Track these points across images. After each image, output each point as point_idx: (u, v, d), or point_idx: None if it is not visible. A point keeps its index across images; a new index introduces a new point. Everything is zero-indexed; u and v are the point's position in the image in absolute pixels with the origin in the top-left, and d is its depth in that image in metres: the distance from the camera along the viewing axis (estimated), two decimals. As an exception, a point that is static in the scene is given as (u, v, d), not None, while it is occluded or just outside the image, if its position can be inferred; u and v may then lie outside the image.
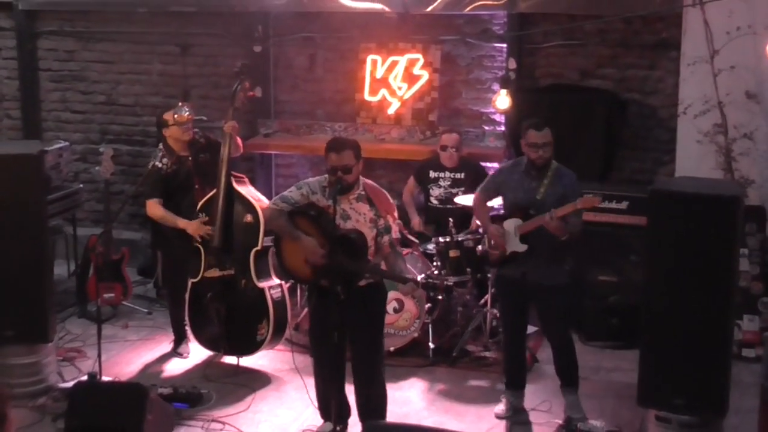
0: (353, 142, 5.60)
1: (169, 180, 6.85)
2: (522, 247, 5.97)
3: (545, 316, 6.12)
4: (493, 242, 6.10)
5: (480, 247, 6.29)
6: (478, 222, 6.65)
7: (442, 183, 7.65)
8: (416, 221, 7.73)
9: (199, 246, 6.75)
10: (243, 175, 6.99)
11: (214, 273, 6.73)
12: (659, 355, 5.31)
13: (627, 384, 6.25)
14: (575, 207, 5.80)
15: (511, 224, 6.03)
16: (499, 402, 6.24)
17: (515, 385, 6.24)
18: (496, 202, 6.41)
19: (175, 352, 7.15)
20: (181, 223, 6.76)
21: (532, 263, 5.96)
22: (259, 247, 6.65)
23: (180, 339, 7.16)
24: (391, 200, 5.74)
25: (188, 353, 7.12)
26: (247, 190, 6.83)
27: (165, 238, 7.01)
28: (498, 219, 6.15)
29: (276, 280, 6.80)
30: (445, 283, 6.81)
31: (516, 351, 6.26)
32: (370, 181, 5.71)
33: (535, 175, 6.00)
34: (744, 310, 6.99)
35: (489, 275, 6.97)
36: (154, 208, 6.82)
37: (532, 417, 6.16)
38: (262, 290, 6.69)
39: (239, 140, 6.90)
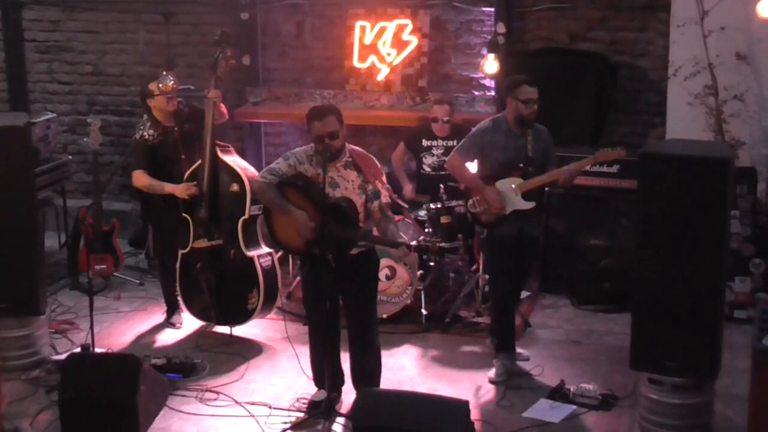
0: (333, 108, 5.59)
1: (156, 151, 6.80)
2: (528, 205, 6.07)
3: (522, 265, 6.25)
4: (490, 204, 6.10)
5: (472, 210, 6.27)
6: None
7: (435, 151, 7.60)
8: (408, 188, 7.69)
9: (187, 216, 6.72)
10: (228, 144, 6.94)
11: (203, 243, 6.71)
12: (651, 318, 5.31)
13: (619, 347, 6.28)
14: (596, 160, 6.08)
15: (506, 184, 6.07)
16: (492, 367, 6.25)
17: (508, 347, 6.26)
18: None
19: (167, 323, 7.15)
20: (168, 187, 6.73)
21: (527, 218, 6.09)
22: (246, 216, 6.62)
23: (172, 309, 7.16)
24: (379, 165, 5.71)
25: (181, 323, 7.12)
26: (233, 159, 6.79)
27: (155, 210, 6.98)
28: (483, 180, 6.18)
29: (265, 249, 6.78)
30: (438, 244, 6.80)
31: (511, 311, 6.31)
32: (356, 147, 5.68)
33: (520, 132, 6.07)
34: (735, 271, 7.00)
35: (480, 236, 6.92)
36: (140, 177, 6.77)
37: (525, 381, 6.18)
38: (251, 259, 6.67)
39: (223, 107, 6.85)
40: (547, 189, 6.56)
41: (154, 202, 6.91)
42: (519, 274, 6.29)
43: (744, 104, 7.35)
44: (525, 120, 6.03)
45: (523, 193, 6.04)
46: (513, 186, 6.05)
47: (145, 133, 6.81)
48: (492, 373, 6.22)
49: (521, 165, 6.05)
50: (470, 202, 6.26)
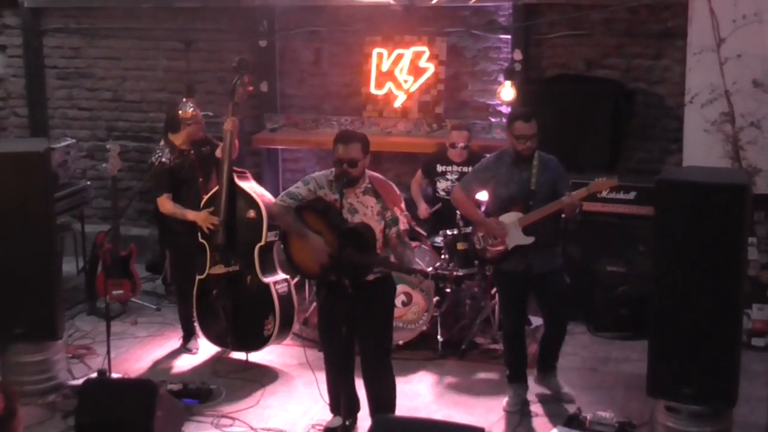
0: (362, 136, 5.56)
1: (173, 174, 6.87)
2: (527, 240, 5.97)
3: (550, 300, 6.16)
4: (495, 238, 6.07)
5: (477, 246, 6.24)
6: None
7: (449, 176, 7.62)
8: (423, 207, 7.68)
9: (204, 242, 6.76)
10: (245, 170, 6.99)
11: (220, 269, 6.74)
12: (668, 345, 5.29)
13: (636, 375, 6.24)
14: (589, 191, 5.94)
15: (508, 218, 6.02)
16: (506, 396, 6.22)
17: (520, 378, 6.23)
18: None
19: (184, 348, 7.17)
20: (190, 215, 6.78)
21: (535, 253, 5.99)
22: (262, 243, 6.66)
23: (189, 335, 7.18)
24: (398, 191, 5.73)
25: (197, 349, 7.13)
26: (250, 186, 6.83)
27: (172, 235, 7.03)
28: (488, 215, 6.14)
29: (281, 275, 6.80)
30: (455, 273, 6.80)
31: (521, 344, 6.26)
32: (376, 174, 5.69)
33: (523, 166, 6.02)
34: (753, 299, 6.96)
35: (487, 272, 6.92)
36: (165, 203, 6.85)
37: (541, 409, 6.15)
38: (267, 285, 6.69)
39: (236, 141, 6.88)
40: (563, 215, 6.54)
41: (172, 227, 6.96)
42: (545, 310, 6.22)
43: (761, 131, 7.32)
44: (520, 155, 5.99)
45: (524, 227, 5.97)
46: (513, 221, 6.00)
47: (164, 158, 6.87)
48: (505, 402, 6.19)
49: (522, 200, 5.99)
50: (475, 238, 6.24)
